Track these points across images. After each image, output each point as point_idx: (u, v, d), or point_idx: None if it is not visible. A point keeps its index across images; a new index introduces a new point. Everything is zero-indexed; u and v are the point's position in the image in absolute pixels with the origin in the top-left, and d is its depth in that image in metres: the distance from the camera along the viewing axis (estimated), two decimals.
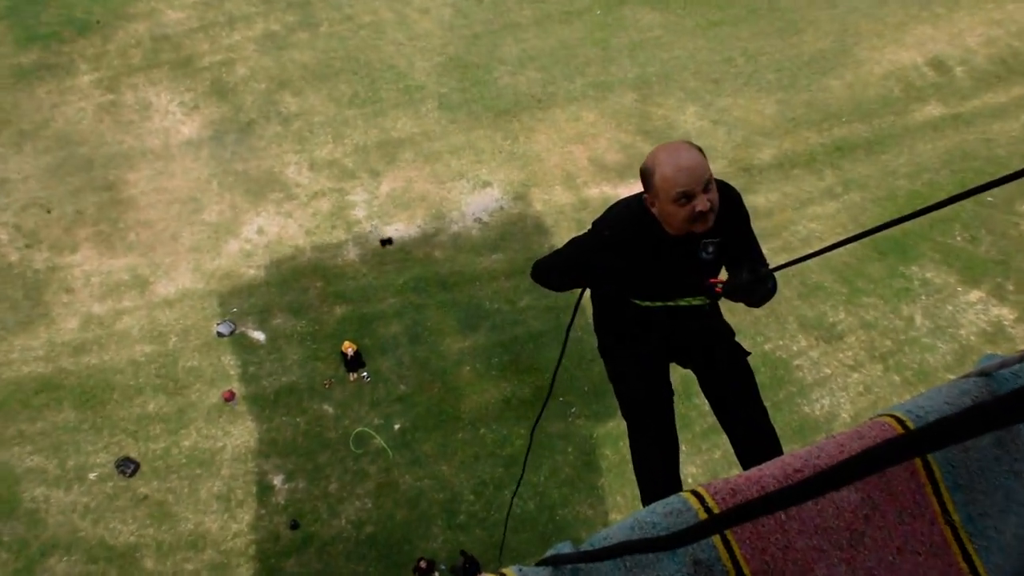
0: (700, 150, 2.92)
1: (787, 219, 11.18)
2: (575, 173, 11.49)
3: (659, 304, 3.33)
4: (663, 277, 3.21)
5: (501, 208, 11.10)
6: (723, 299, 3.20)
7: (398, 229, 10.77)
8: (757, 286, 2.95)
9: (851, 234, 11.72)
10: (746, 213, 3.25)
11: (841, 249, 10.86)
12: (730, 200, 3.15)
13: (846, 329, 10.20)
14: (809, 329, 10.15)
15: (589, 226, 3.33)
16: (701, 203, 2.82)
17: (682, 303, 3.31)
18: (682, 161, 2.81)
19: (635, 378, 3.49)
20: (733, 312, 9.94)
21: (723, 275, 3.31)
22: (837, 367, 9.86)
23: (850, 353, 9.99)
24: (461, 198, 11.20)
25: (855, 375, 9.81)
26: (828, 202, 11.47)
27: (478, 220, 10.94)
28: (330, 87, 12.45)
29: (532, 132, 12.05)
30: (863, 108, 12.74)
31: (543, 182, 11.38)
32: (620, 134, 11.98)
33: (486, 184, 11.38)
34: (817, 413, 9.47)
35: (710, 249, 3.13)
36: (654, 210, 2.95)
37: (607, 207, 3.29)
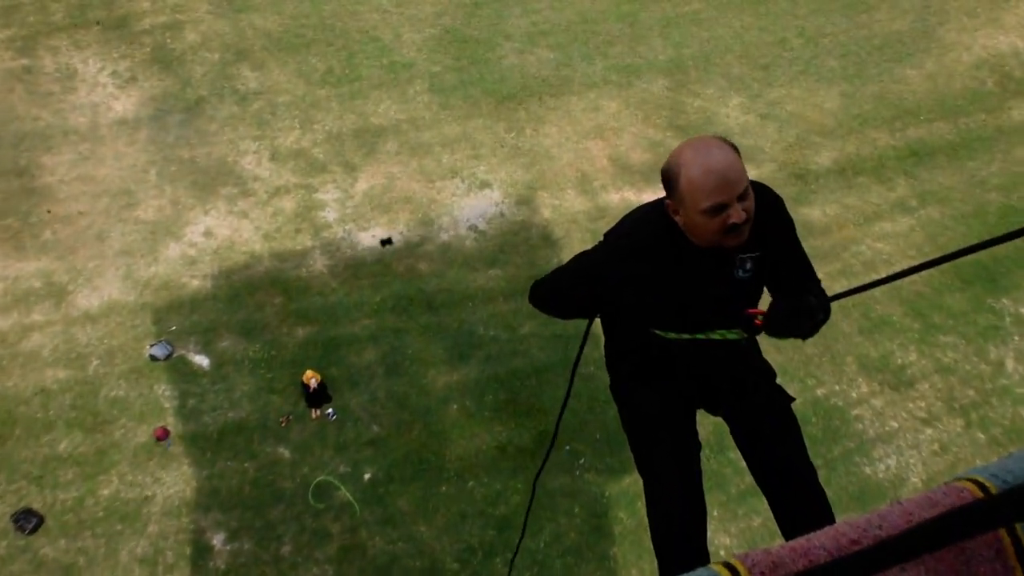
0: (735, 148, 2.90)
1: (848, 237, 11.23)
2: (592, 174, 11.54)
3: (685, 337, 3.34)
4: (690, 301, 3.19)
5: (501, 214, 11.14)
6: (764, 334, 3.22)
7: (376, 235, 10.80)
8: (805, 317, 2.92)
9: (928, 258, 11.68)
10: (790, 222, 3.24)
11: (914, 276, 10.89)
12: (770, 206, 3.13)
13: (918, 374, 10.21)
14: (872, 372, 10.16)
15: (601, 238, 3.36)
16: (736, 214, 2.80)
17: (714, 336, 3.33)
18: (714, 162, 2.79)
19: (655, 427, 3.48)
20: (777, 347, 9.95)
21: (763, 302, 3.32)
22: (906, 420, 9.86)
23: (923, 403, 10.00)
24: (453, 201, 11.24)
25: (928, 430, 9.80)
26: (900, 217, 11.52)
27: (473, 228, 10.99)
28: (299, 60, 12.52)
29: (541, 123, 12.10)
30: (947, 104, 12.81)
31: (553, 184, 11.44)
32: (648, 129, 12.05)
33: (484, 185, 11.43)
34: (880, 475, 9.45)
35: (748, 266, 3.11)
36: (678, 219, 2.95)
37: (620, 219, 3.26)
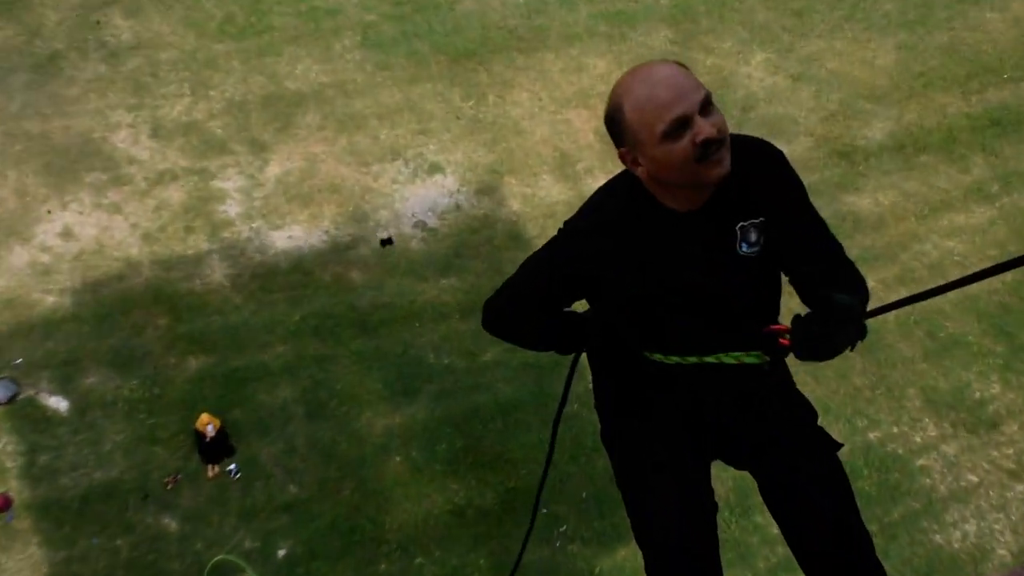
0: (684, 67, 2.98)
1: (908, 233, 11.35)
2: (574, 154, 11.61)
3: (691, 361, 3.36)
4: (686, 290, 3.21)
5: (457, 207, 11.18)
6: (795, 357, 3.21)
7: (293, 235, 10.83)
8: (848, 324, 2.90)
9: (1013, 257, 11.66)
10: (797, 180, 3.29)
11: (995, 284, 10.97)
12: (767, 161, 3.21)
13: (1003, 411, 10.29)
14: (942, 410, 10.24)
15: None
16: (703, 127, 2.85)
17: (727, 360, 3.34)
18: (656, 75, 2.88)
19: (657, 484, 3.50)
20: (815, 377, 10.01)
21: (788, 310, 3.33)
22: (989, 472, 9.93)
23: (1010, 451, 10.07)
24: (395, 190, 11.27)
25: (1019, 486, 9.89)
26: (977, 207, 11.67)
27: (421, 225, 11.01)
28: (187, 4, 12.52)
29: (508, 88, 12.17)
30: None
31: (523, 167, 11.50)
32: None
33: (435, 168, 11.46)
34: (956, 545, 9.50)
35: (752, 237, 3.16)
36: (640, 171, 3.01)
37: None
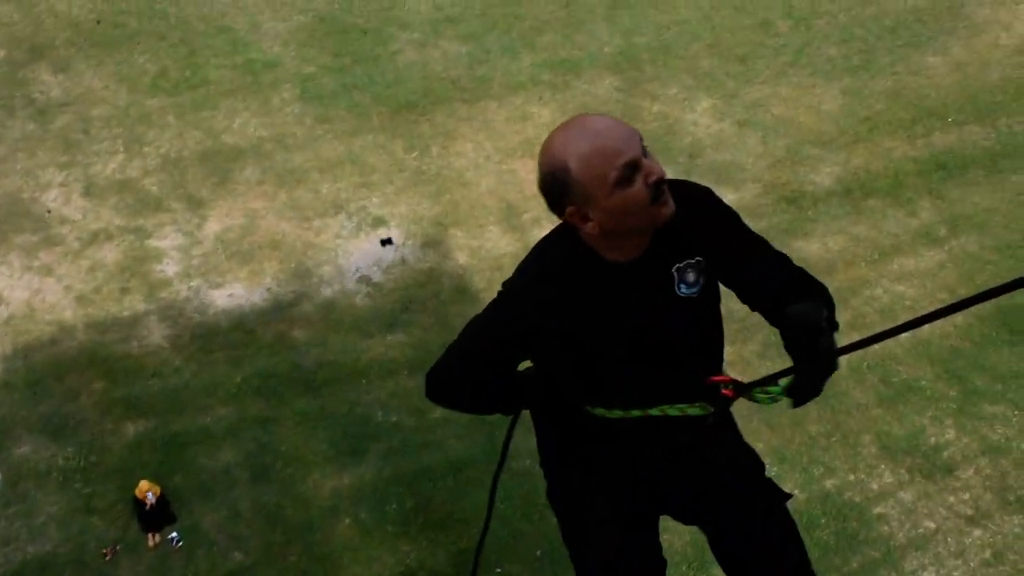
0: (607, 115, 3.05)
1: (859, 278, 11.52)
2: (520, 205, 11.75)
3: (634, 414, 3.41)
4: (629, 338, 3.24)
5: (402, 261, 11.24)
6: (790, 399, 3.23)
7: (234, 294, 10.85)
8: (830, 362, 2.95)
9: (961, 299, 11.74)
10: (731, 212, 3.33)
11: (947, 327, 11.12)
12: (699, 203, 3.23)
13: (959, 456, 10.37)
14: (898, 456, 10.34)
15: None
16: (652, 168, 2.91)
17: (671, 412, 3.40)
18: (594, 126, 2.93)
19: (602, 541, 3.55)
20: (769, 424, 10.08)
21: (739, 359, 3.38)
22: (946, 518, 9.99)
23: (967, 495, 10.14)
24: (337, 245, 11.33)
25: (977, 531, 9.91)
26: (925, 251, 11.84)
27: (365, 280, 11.07)
28: (119, 59, 12.54)
29: (452, 139, 12.30)
30: (981, 101, 13.26)
31: (469, 219, 11.60)
32: None
33: (378, 222, 11.53)
34: None
35: (690, 278, 3.21)
36: (589, 227, 3.04)
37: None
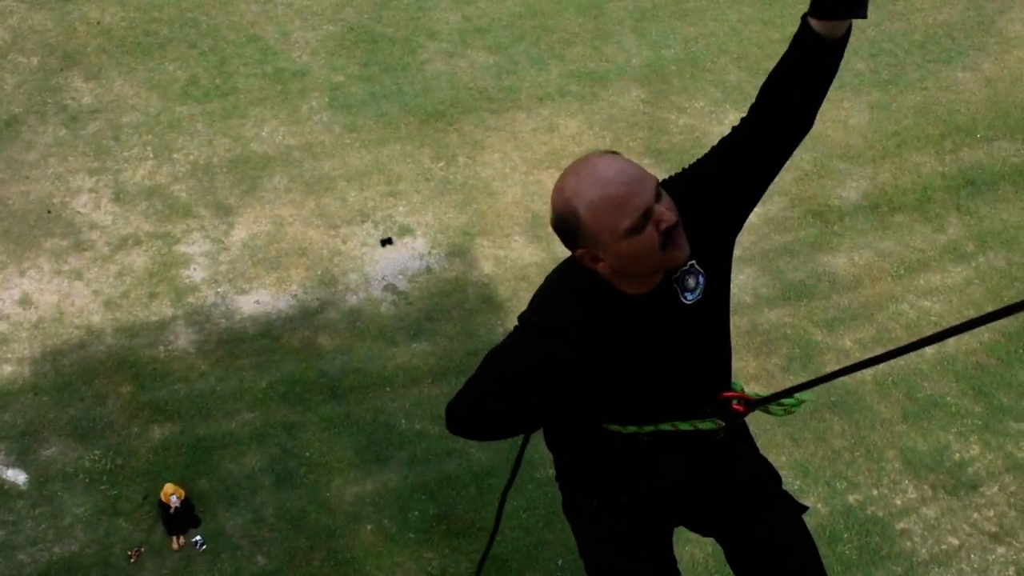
0: (621, 155, 2.97)
1: (885, 293, 11.52)
2: (546, 215, 11.48)
3: (648, 430, 3.45)
4: (644, 364, 3.27)
5: (428, 270, 11.30)
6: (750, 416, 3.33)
7: (260, 300, 10.94)
8: None
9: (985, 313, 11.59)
10: (689, 168, 3.25)
11: (973, 344, 11.11)
12: (674, 183, 3.16)
13: (983, 473, 10.38)
14: (921, 472, 10.34)
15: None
16: (664, 215, 2.88)
17: (683, 427, 3.43)
18: (606, 172, 2.89)
19: (619, 558, 3.60)
20: (794, 440, 10.08)
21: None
22: (970, 535, 10.00)
23: (991, 512, 10.15)
24: (364, 253, 11.40)
25: (1000, 549, 9.95)
26: (953, 267, 11.85)
27: (391, 288, 11.13)
28: (150, 67, 12.65)
29: (479, 149, 12.38)
30: (1011, 117, 13.25)
31: (495, 229, 11.66)
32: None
33: (405, 231, 11.60)
34: None
35: (690, 283, 3.20)
36: (600, 267, 3.04)
37: (533, 295, 3.36)
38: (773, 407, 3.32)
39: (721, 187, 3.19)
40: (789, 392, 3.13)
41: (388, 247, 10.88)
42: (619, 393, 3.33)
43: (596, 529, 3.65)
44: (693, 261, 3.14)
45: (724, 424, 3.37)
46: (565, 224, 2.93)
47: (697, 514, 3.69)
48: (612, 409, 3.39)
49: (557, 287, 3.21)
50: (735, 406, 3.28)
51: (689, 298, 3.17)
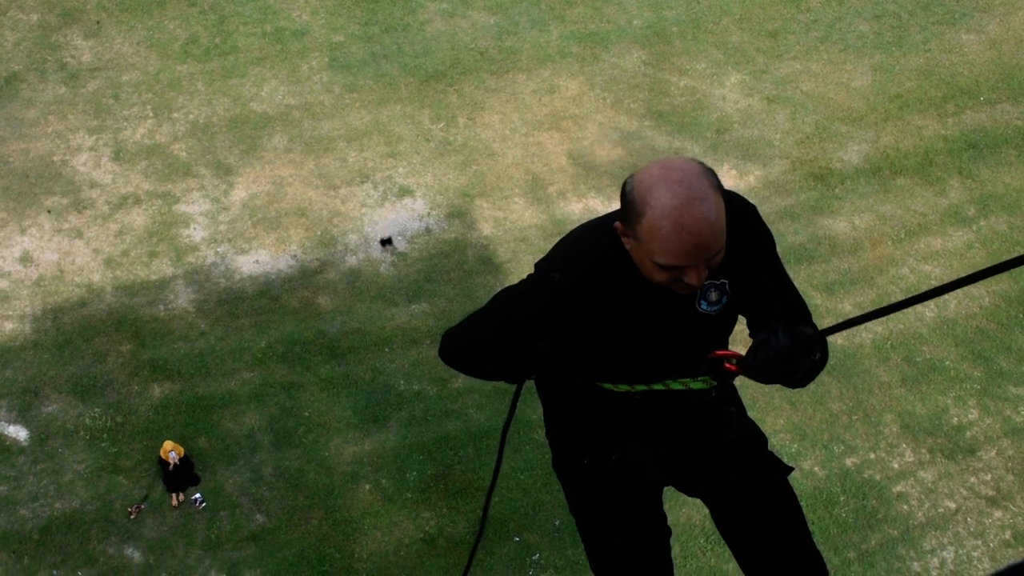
0: (719, 190, 2.99)
1: (885, 257, 11.55)
2: (546, 177, 11.83)
3: (640, 389, 3.49)
4: (643, 340, 3.34)
5: (427, 230, 11.36)
6: (744, 378, 3.31)
7: (260, 260, 10.99)
8: (801, 354, 3.01)
9: (992, 284, 11.62)
10: (769, 237, 3.37)
11: (973, 309, 11.15)
12: (742, 219, 3.24)
13: (981, 437, 10.44)
14: (919, 435, 10.41)
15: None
16: (694, 277, 2.96)
17: (675, 387, 3.48)
18: (690, 222, 2.89)
19: (609, 514, 3.67)
20: (792, 403, 10.13)
21: (737, 344, 3.43)
22: (967, 498, 10.08)
23: (989, 476, 10.22)
24: (363, 213, 11.44)
25: (997, 513, 10.03)
26: (954, 231, 11.89)
27: (390, 249, 11.19)
28: (149, 25, 12.66)
29: (479, 110, 12.39)
30: (1015, 80, 13.21)
31: (495, 190, 11.69)
32: (619, 116, 12.34)
33: (404, 192, 11.64)
34: (934, 573, 9.63)
35: (712, 296, 3.26)
36: (626, 242, 3.08)
37: (557, 242, 3.36)
38: None
39: (739, 270, 3.29)
40: None
41: (388, 247, 10.88)
42: (615, 355, 3.36)
43: (586, 487, 3.71)
44: (726, 281, 3.24)
45: (715, 384, 3.42)
46: (631, 206, 2.95)
47: (684, 474, 3.73)
48: (606, 368, 3.42)
49: (584, 247, 3.23)
50: (727, 365, 3.29)
51: (704, 307, 3.25)
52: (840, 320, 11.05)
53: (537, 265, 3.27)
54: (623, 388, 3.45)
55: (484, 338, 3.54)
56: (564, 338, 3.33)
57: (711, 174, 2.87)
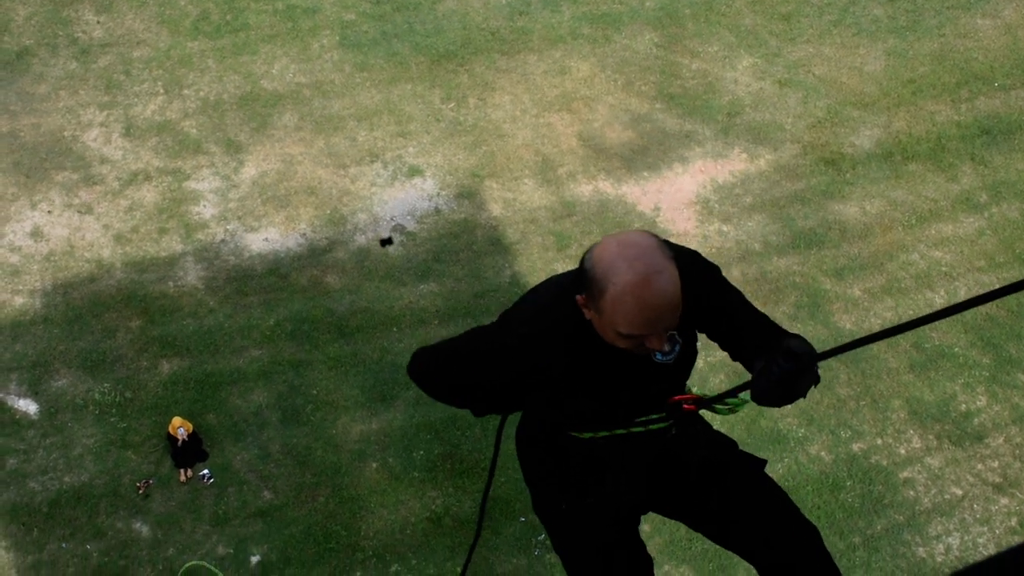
0: (672, 259, 3.15)
1: (895, 243, 11.58)
2: (555, 158, 11.85)
3: (603, 435, 3.71)
4: (605, 393, 3.53)
5: (436, 211, 11.39)
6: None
7: (269, 238, 11.04)
8: (800, 380, 3.15)
9: (1003, 270, 11.66)
10: (732, 290, 3.63)
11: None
12: (699, 284, 3.45)
13: (989, 424, 10.48)
14: (927, 422, 10.44)
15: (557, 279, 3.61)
16: (656, 343, 3.19)
17: (636, 430, 3.69)
18: (651, 298, 3.08)
19: (592, 555, 3.85)
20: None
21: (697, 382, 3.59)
22: (973, 485, 10.11)
23: (995, 464, 10.26)
24: (373, 193, 11.47)
25: (1003, 500, 10.07)
26: (965, 217, 11.91)
27: (399, 229, 11.23)
28: (161, 1, 12.66)
29: (490, 91, 12.41)
30: None
31: (504, 171, 11.71)
32: (630, 98, 12.36)
33: (414, 172, 11.67)
34: (939, 559, 9.68)
35: (666, 347, 3.48)
36: (586, 313, 3.28)
37: (522, 296, 3.56)
38: (718, 406, 3.63)
39: (705, 322, 3.58)
40: (740, 389, 3.40)
41: (388, 246, 10.90)
42: (578, 406, 3.56)
43: (567, 530, 3.92)
44: (674, 332, 3.47)
45: (674, 424, 3.68)
46: (591, 281, 3.14)
47: (662, 502, 3.93)
48: (570, 416, 3.65)
49: (550, 309, 3.42)
50: (686, 406, 3.58)
51: (660, 358, 3.49)
52: (849, 304, 11.32)
53: (502, 316, 3.50)
54: (587, 435, 3.69)
55: (452, 369, 3.73)
56: (526, 388, 3.54)
57: (665, 246, 3.10)
